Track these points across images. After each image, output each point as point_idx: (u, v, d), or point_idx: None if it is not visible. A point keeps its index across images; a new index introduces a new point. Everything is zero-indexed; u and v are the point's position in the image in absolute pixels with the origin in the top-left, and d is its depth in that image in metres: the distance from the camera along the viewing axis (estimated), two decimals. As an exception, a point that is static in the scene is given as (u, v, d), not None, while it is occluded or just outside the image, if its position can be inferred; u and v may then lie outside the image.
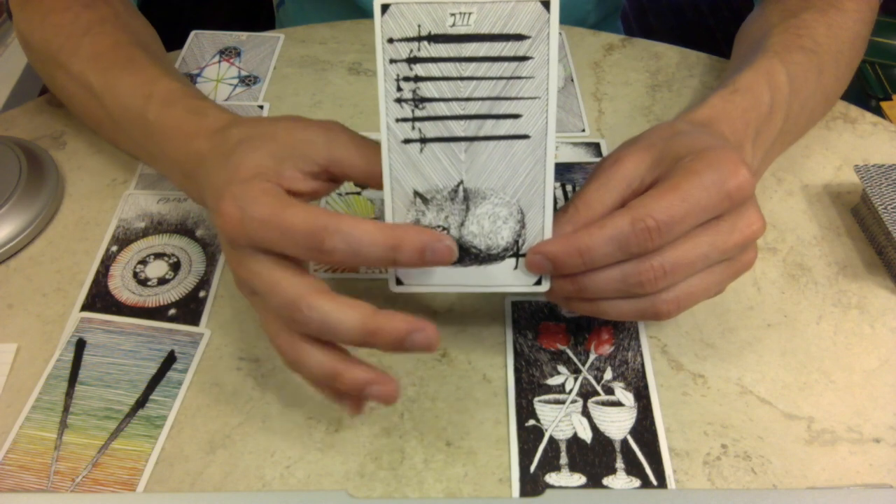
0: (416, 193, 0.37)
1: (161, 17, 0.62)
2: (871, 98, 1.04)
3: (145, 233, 0.51)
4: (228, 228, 0.36)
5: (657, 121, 0.59)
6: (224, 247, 0.39)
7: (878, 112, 1.01)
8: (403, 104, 0.36)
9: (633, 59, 0.65)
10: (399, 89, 0.36)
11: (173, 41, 0.65)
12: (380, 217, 0.52)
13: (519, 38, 0.35)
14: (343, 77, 0.63)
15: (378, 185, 0.38)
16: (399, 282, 0.39)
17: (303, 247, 0.34)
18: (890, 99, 1.04)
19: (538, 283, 0.39)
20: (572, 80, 0.63)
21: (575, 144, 0.57)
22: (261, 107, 0.61)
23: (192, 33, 0.68)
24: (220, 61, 0.65)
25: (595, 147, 0.57)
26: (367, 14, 0.72)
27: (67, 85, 0.54)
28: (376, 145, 0.38)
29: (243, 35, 0.68)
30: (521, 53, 0.35)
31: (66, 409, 0.42)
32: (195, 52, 0.66)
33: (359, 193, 0.54)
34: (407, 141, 0.36)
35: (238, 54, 0.66)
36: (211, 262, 0.50)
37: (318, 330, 0.35)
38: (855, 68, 0.56)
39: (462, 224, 0.37)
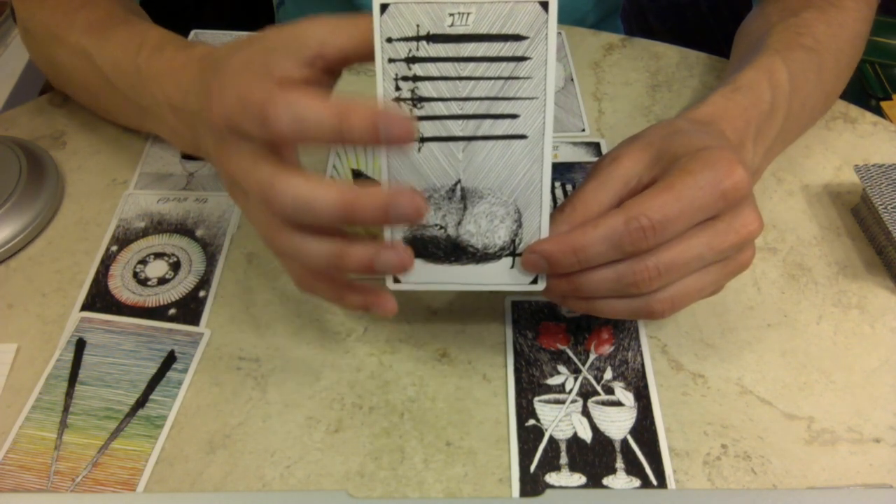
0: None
1: (161, 17, 0.61)
2: (871, 98, 1.04)
3: (145, 233, 0.51)
4: (212, 114, 0.35)
5: (657, 121, 0.59)
6: (211, 143, 0.38)
7: (878, 112, 1.01)
8: (402, 104, 0.36)
9: (633, 59, 0.65)
10: (397, 89, 0.36)
11: (173, 41, 0.65)
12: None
13: (517, 38, 0.35)
14: (343, 77, 0.63)
15: (369, 56, 0.36)
16: (396, 280, 0.39)
17: (255, 119, 0.33)
18: (890, 99, 1.04)
19: (534, 281, 0.39)
20: (572, 80, 0.63)
21: (575, 144, 0.57)
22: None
23: (192, 33, 0.68)
24: (220, 61, 0.65)
25: (595, 147, 0.57)
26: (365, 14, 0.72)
27: (65, 59, 0.54)
28: (362, 20, 0.36)
29: (243, 35, 0.68)
30: (519, 54, 0.35)
31: (66, 409, 0.42)
32: (195, 52, 0.66)
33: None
34: None
35: (238, 54, 0.66)
36: (211, 262, 0.50)
37: (294, 209, 0.34)
38: (854, 67, 0.56)
39: (459, 223, 0.38)
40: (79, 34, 0.52)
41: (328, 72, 0.37)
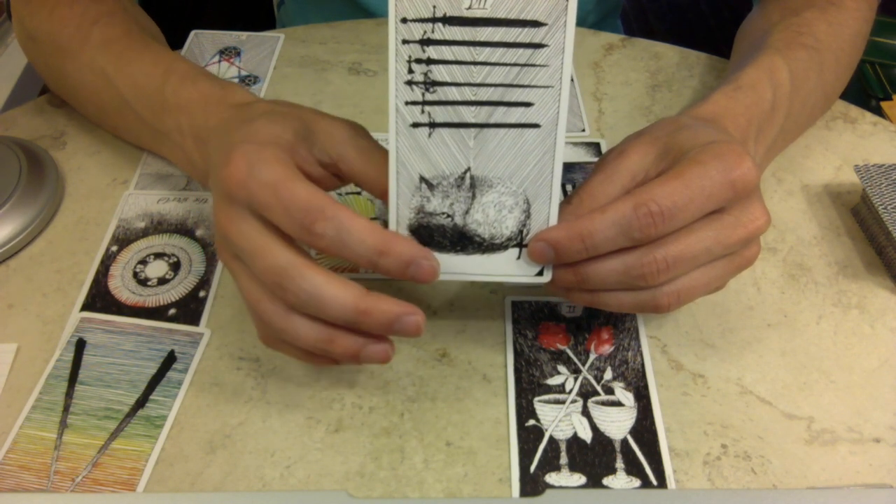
0: (422, 179, 0.37)
1: (161, 17, 0.61)
2: (871, 98, 1.04)
3: (145, 233, 0.51)
4: (231, 182, 0.35)
5: (657, 120, 0.59)
6: (217, 201, 0.38)
7: (878, 112, 1.01)
8: (414, 87, 0.35)
9: (633, 59, 0.65)
10: (410, 71, 0.35)
11: (173, 41, 0.65)
12: (382, 213, 0.52)
13: (536, 24, 0.34)
14: (343, 77, 0.63)
15: (380, 197, 0.38)
16: None
17: (295, 222, 0.34)
18: (890, 99, 1.04)
19: (540, 273, 0.38)
20: (572, 80, 0.63)
21: (575, 144, 0.57)
22: (261, 107, 0.61)
23: (192, 33, 0.68)
24: (220, 61, 0.65)
25: (595, 147, 0.57)
26: (367, 13, 0.72)
27: (74, 74, 0.54)
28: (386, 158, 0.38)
29: (243, 35, 0.68)
30: (536, 40, 0.35)
31: (66, 409, 0.42)
32: (195, 52, 0.66)
33: (359, 193, 0.54)
34: (416, 125, 0.36)
35: (238, 54, 0.66)
36: (211, 262, 0.50)
37: (306, 302, 0.35)
38: (855, 66, 0.56)
39: (467, 212, 0.37)
40: (94, 51, 0.52)
41: (338, 176, 0.40)
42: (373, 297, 0.35)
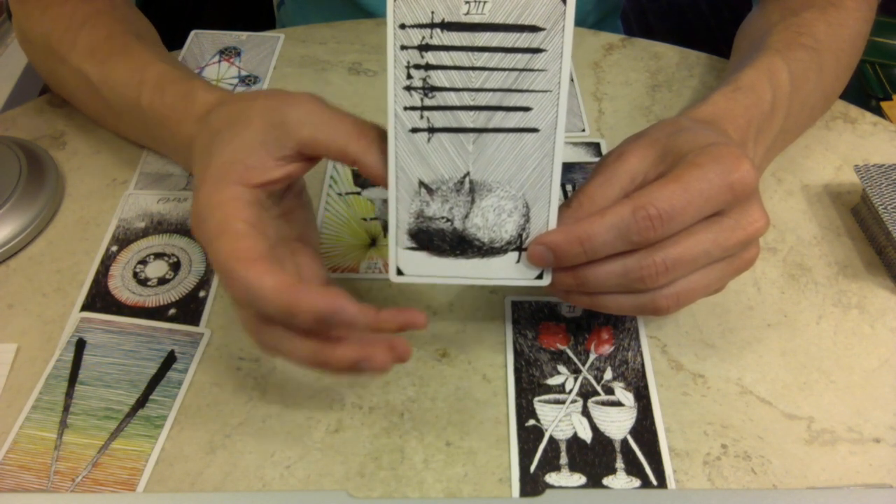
0: (422, 184, 0.37)
1: (161, 17, 0.62)
2: (871, 98, 1.04)
3: (145, 233, 0.51)
4: (193, 226, 0.38)
5: (657, 121, 0.59)
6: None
7: (878, 112, 1.01)
8: (413, 92, 0.36)
9: (633, 59, 0.65)
10: (409, 77, 0.35)
11: (173, 41, 0.65)
12: (382, 213, 0.52)
13: (533, 29, 0.35)
14: (343, 77, 0.63)
15: (350, 163, 0.37)
16: (400, 272, 0.39)
17: (218, 267, 0.36)
18: (890, 99, 1.04)
19: (539, 276, 0.38)
20: (572, 80, 0.63)
21: (575, 144, 0.57)
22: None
23: (192, 33, 0.68)
24: (220, 61, 0.65)
25: (595, 147, 0.57)
26: (367, 14, 0.72)
27: (68, 78, 0.55)
28: (349, 121, 0.37)
29: (243, 35, 0.68)
30: (534, 45, 0.35)
31: (66, 409, 0.42)
32: (195, 52, 0.66)
33: (358, 193, 0.54)
34: (415, 130, 0.36)
35: (238, 54, 0.66)
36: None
37: (248, 300, 0.35)
38: (854, 66, 0.56)
39: (466, 216, 0.37)
40: (80, 58, 0.52)
41: (309, 159, 0.39)
42: (299, 289, 0.34)
